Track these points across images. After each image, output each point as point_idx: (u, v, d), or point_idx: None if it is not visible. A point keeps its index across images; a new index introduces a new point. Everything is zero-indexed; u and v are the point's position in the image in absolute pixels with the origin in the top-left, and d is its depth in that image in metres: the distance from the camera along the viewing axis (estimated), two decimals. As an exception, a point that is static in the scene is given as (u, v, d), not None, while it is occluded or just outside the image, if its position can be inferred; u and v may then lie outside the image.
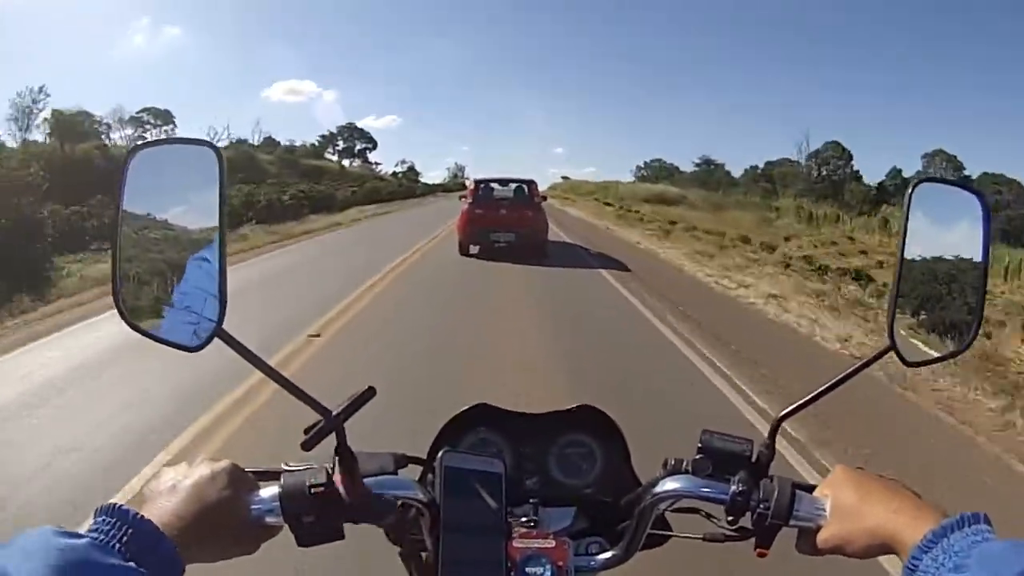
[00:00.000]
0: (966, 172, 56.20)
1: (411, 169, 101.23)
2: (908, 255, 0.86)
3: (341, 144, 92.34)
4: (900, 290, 0.85)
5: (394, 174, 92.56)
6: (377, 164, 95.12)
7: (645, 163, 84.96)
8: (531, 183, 17.06)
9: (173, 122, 64.20)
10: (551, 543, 0.90)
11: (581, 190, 68.38)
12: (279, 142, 76.38)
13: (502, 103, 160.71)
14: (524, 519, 0.97)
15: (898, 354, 0.85)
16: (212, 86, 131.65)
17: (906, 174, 61.11)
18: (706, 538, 0.93)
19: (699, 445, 0.89)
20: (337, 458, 0.81)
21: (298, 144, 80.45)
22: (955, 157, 62.03)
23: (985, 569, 0.59)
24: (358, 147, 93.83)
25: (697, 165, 74.52)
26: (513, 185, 17.28)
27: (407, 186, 74.43)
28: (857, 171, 65.80)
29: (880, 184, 62.97)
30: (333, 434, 0.80)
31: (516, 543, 0.89)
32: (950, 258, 0.91)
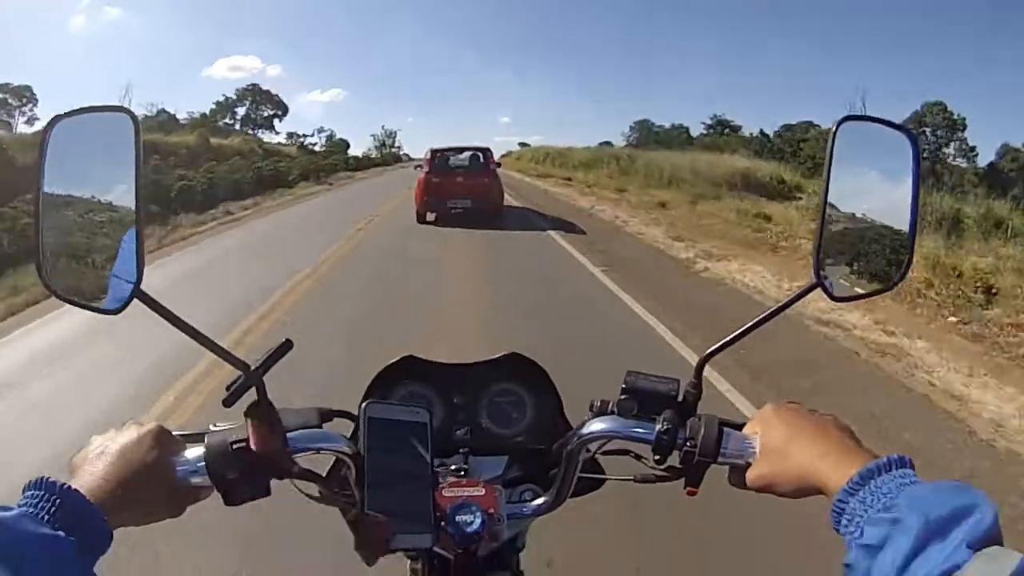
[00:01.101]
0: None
1: (332, 140, 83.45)
2: (835, 197, 0.86)
3: (242, 111, 75.00)
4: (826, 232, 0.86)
5: (302, 146, 72.04)
6: (304, 136, 78.75)
7: (633, 126, 72.84)
8: (486, 151, 17.38)
9: (35, 99, 56.11)
10: (481, 491, 0.91)
11: (531, 157, 59.38)
12: (172, 114, 61.28)
13: (448, 73, 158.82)
14: (454, 468, 0.98)
15: (825, 290, 0.85)
16: (154, 65, 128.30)
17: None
18: (637, 479, 0.94)
19: (623, 385, 0.89)
20: (256, 411, 0.80)
21: (182, 115, 63.21)
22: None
23: (914, 511, 0.59)
24: (264, 113, 76.18)
25: (709, 127, 62.08)
26: (468, 153, 17.55)
27: (320, 163, 49.62)
28: (973, 147, 44.94)
29: (991, 165, 43.68)
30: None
31: (446, 492, 0.90)
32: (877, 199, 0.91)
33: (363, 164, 68.10)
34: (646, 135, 67.77)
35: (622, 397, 0.88)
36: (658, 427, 0.85)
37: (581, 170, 34.00)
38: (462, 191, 15.61)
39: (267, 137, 71.76)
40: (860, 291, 0.90)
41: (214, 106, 73.43)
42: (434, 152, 16.90)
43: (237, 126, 72.33)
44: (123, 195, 0.79)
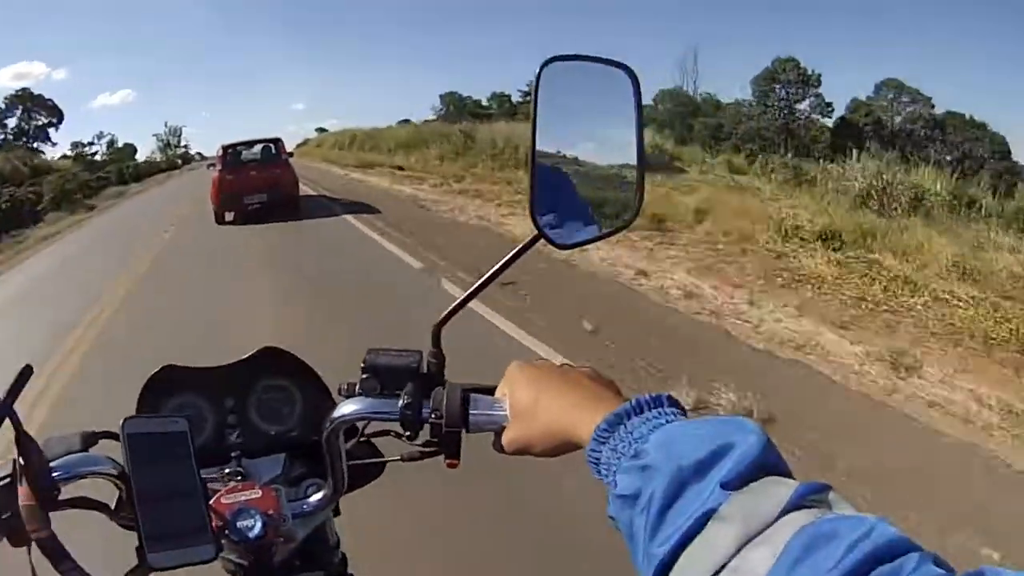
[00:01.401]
0: (934, 111, 40.23)
1: (113, 146, 72.29)
2: (547, 141, 0.83)
3: (13, 120, 63.99)
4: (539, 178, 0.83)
5: (81, 157, 63.40)
6: (86, 146, 68.43)
7: (442, 98, 65.24)
8: (277, 141, 17.07)
9: None
10: (258, 493, 0.88)
11: (329, 143, 54.51)
12: None
13: (238, 64, 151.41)
14: (229, 472, 0.94)
15: (547, 239, 0.83)
16: None
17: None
18: (404, 458, 0.92)
19: (363, 365, 0.87)
20: (16, 446, 0.75)
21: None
22: (918, 91, 41.08)
23: (663, 453, 0.55)
24: (36, 123, 64.89)
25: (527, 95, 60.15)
26: (259, 146, 17.10)
27: (83, 179, 40.68)
28: (829, 103, 43.01)
29: (843, 119, 42.56)
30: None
31: (224, 499, 0.86)
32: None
33: (145, 171, 58.94)
34: (457, 109, 61.73)
35: (363, 376, 0.86)
36: (400, 403, 0.83)
37: (400, 154, 29.40)
38: (257, 185, 15.25)
39: (47, 150, 63.99)
40: (585, 237, 0.88)
41: None
42: (225, 148, 16.49)
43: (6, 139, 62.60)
44: None
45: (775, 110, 42.23)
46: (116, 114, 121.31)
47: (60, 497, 0.77)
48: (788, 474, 0.53)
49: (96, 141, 72.22)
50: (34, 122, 65.76)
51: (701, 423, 0.58)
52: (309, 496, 0.98)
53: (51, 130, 66.33)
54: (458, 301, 0.85)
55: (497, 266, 0.83)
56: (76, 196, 29.78)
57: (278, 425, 1.06)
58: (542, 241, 0.83)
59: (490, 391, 0.82)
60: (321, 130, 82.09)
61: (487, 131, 26.01)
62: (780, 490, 0.50)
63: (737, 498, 0.50)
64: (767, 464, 0.53)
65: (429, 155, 26.31)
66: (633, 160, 0.87)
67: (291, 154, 17.56)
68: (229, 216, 15.26)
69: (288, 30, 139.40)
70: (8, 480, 0.75)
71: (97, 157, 67.23)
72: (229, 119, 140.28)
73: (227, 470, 0.95)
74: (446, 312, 0.86)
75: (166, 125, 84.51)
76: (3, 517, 0.75)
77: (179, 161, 77.72)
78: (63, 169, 46.46)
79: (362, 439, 0.97)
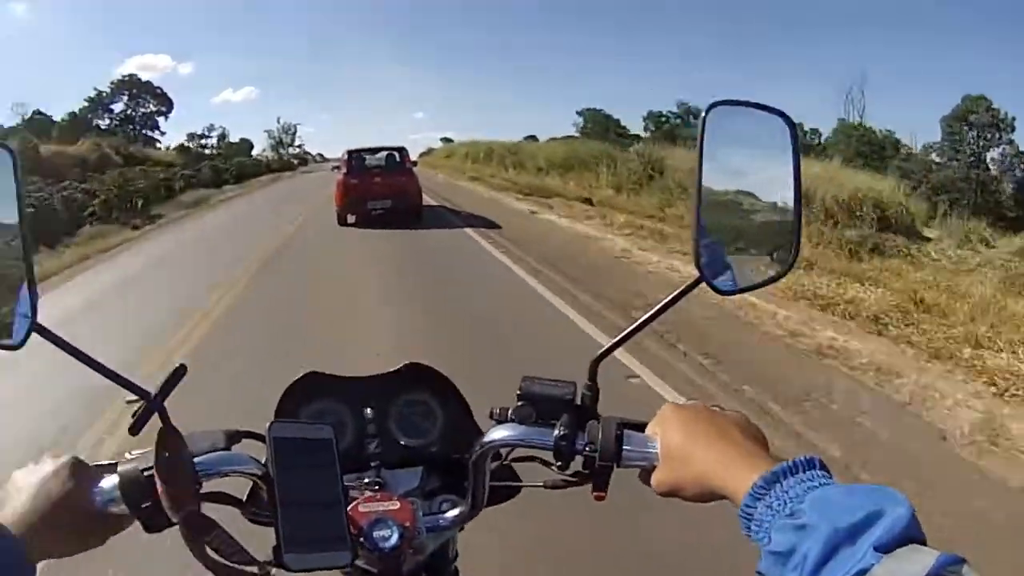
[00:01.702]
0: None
1: (224, 139, 66.99)
2: (709, 183, 0.84)
3: (119, 105, 60.82)
4: (703, 220, 0.84)
5: (185, 149, 59.02)
6: (203, 137, 65.46)
7: (585, 112, 57.39)
8: (402, 150, 17.75)
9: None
10: (396, 504, 0.89)
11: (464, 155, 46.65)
12: (48, 116, 53.36)
13: (361, 69, 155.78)
14: (368, 482, 0.97)
15: (709, 284, 0.84)
16: (62, 63, 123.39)
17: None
18: (547, 485, 0.93)
19: (518, 392, 0.88)
20: (161, 438, 0.79)
21: (55, 116, 54.17)
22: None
23: (822, 515, 0.58)
24: (143, 110, 61.66)
25: (677, 116, 49.93)
26: (384, 153, 17.76)
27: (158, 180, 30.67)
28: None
29: None
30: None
31: (361, 508, 0.88)
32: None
33: (252, 170, 50.36)
34: (600, 126, 53.68)
35: (519, 404, 0.88)
36: (556, 433, 0.85)
37: (554, 175, 25.07)
38: (381, 192, 15.84)
39: (157, 138, 61.56)
40: (747, 284, 0.88)
41: (85, 103, 60.20)
42: (351, 153, 17.14)
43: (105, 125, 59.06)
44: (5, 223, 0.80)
45: (965, 157, 34.25)
46: (239, 110, 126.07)
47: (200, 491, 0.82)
48: (926, 544, 0.57)
49: (208, 133, 68.82)
50: (141, 109, 63.17)
51: (853, 489, 0.61)
52: (443, 511, 0.99)
53: (160, 119, 63.65)
54: (618, 338, 0.86)
55: (659, 306, 0.84)
56: (135, 200, 22.48)
57: (418, 439, 1.08)
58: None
59: (640, 427, 0.83)
60: (447, 140, 76.95)
61: (683, 156, 20.71)
62: (925, 557, 0.54)
63: (887, 561, 0.54)
64: (913, 533, 0.56)
65: (596, 181, 22.37)
66: (790, 205, 0.87)
67: (415, 163, 18.13)
68: (351, 219, 15.83)
69: (412, 39, 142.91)
70: (151, 471, 0.78)
71: (207, 151, 63.52)
72: (349, 123, 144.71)
73: (366, 479, 0.97)
74: (605, 348, 0.87)
75: (279, 121, 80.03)
76: (143, 506, 0.78)
77: (294, 161, 73.94)
78: (161, 161, 43.93)
79: (505, 463, 0.98)
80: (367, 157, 17.40)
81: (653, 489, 0.78)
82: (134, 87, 62.43)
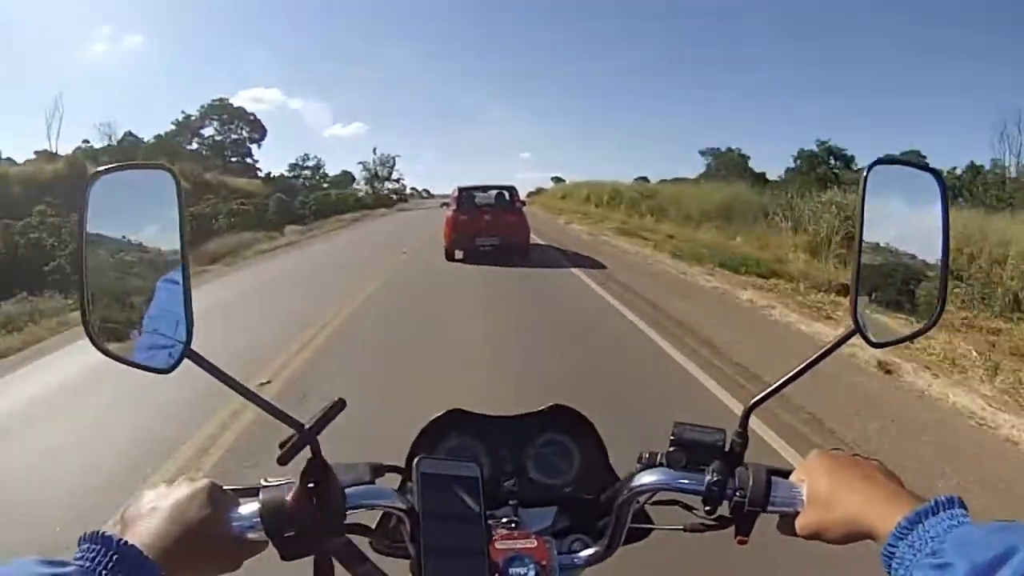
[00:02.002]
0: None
1: (319, 170, 65.42)
2: (867, 237, 0.87)
3: (210, 129, 60.62)
4: (863, 273, 0.86)
5: (269, 177, 58.08)
6: (306, 166, 64.70)
7: (709, 150, 52.42)
8: (512, 189, 18.11)
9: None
10: (533, 543, 0.91)
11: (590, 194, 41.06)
12: (138, 138, 53.00)
13: (468, 109, 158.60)
14: (505, 520, 0.98)
15: (863, 336, 0.86)
16: (174, 93, 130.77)
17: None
18: (687, 529, 0.95)
19: (671, 438, 0.90)
20: (312, 470, 0.81)
21: (145, 138, 53.48)
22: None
23: (960, 554, 0.60)
24: (234, 136, 60.98)
25: (812, 156, 42.70)
26: (495, 191, 18.18)
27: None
28: None
29: None
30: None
31: (498, 544, 0.90)
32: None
33: (334, 206, 44.92)
34: (733, 167, 46.66)
35: (671, 449, 0.90)
36: (708, 478, 0.86)
37: (711, 226, 19.45)
38: (490, 229, 16.08)
39: (257, 165, 60.54)
40: (897, 336, 0.90)
41: (172, 126, 60.49)
42: (461, 190, 17.48)
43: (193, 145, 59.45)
44: (160, 244, 0.81)
45: None
46: (347, 145, 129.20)
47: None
48: None
49: (303, 164, 67.19)
50: (231, 135, 62.36)
51: (992, 527, 0.62)
52: (576, 551, 1.01)
53: (253, 147, 62.70)
54: (770, 388, 0.88)
55: (813, 357, 0.86)
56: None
57: (554, 479, 1.09)
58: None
59: (786, 474, 0.84)
60: (558, 179, 71.22)
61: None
62: None
63: None
64: None
65: (776, 239, 17.16)
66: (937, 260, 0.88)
67: (524, 203, 18.34)
68: (459, 254, 16.11)
69: (519, 80, 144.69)
70: (295, 501, 0.80)
71: (302, 181, 62.19)
72: (455, 161, 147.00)
73: (502, 517, 0.98)
74: (757, 397, 0.88)
75: (375, 152, 76.29)
76: (285, 535, 0.79)
77: (393, 196, 69.36)
78: (240, 189, 41.61)
79: (644, 505, 0.99)
80: (477, 195, 17.76)
81: (795, 533, 0.80)
82: (225, 111, 62.12)
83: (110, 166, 0.81)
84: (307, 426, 0.80)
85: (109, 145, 51.52)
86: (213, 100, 62.15)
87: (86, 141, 53.31)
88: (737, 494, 0.84)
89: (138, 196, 0.83)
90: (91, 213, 0.79)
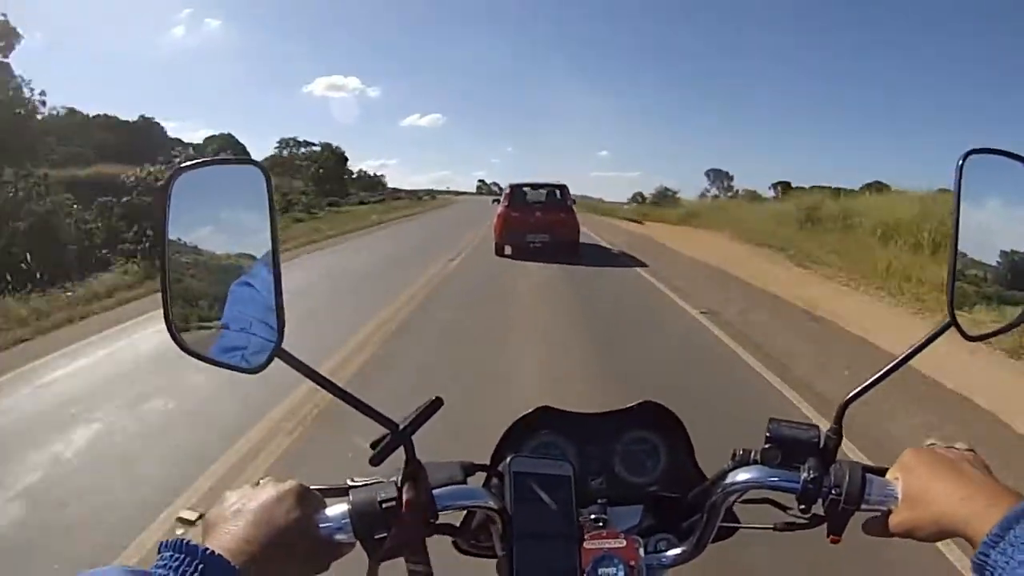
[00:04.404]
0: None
1: (330, 151, 61.38)
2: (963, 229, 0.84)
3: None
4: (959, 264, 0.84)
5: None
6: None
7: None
8: (563, 187, 18.19)
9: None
10: (622, 542, 0.90)
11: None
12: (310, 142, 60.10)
13: (547, 104, 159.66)
14: (593, 518, 0.97)
15: (959, 329, 0.84)
16: (252, 79, 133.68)
17: None
18: (778, 527, 0.93)
19: (767, 434, 0.89)
20: (406, 471, 0.81)
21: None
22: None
23: None
24: None
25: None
26: (545, 190, 18.23)
27: None
28: None
29: None
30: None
31: (587, 544, 0.89)
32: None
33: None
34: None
35: (766, 446, 0.88)
36: (804, 476, 0.85)
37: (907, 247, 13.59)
38: (540, 226, 16.27)
39: None
40: (993, 328, 0.88)
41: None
42: (513, 188, 17.77)
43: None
44: (251, 247, 0.80)
45: None
46: (424, 136, 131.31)
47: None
48: None
49: (281, 146, 66.04)
50: None
51: None
52: (662, 551, 0.99)
53: None
54: (867, 383, 0.86)
55: (908, 351, 0.85)
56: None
57: (641, 477, 1.08)
58: None
59: (879, 472, 0.83)
60: (665, 194, 52.24)
61: None
62: None
63: None
64: None
65: None
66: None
67: (574, 200, 18.40)
68: (508, 250, 16.31)
69: (601, 77, 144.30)
70: (393, 503, 0.79)
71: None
72: (531, 157, 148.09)
73: (591, 516, 0.97)
74: (853, 392, 0.87)
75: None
76: (375, 537, 0.79)
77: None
78: None
79: (737, 503, 0.97)
80: (528, 191, 17.91)
81: (886, 532, 0.79)
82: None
83: (195, 162, 0.80)
84: (402, 426, 0.80)
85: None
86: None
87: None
88: (832, 492, 0.83)
89: (224, 193, 0.82)
90: (173, 211, 0.78)
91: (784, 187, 54.66)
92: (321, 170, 56.92)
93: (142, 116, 56.40)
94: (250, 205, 0.79)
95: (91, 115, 51.34)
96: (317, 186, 53.32)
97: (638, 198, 59.95)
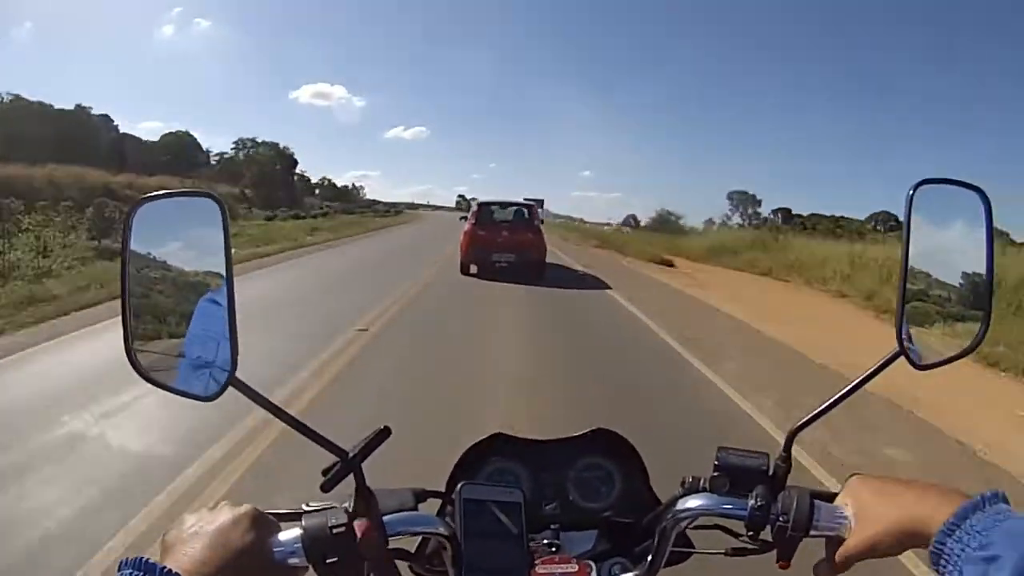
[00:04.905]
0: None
1: (259, 149, 59.50)
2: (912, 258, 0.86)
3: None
4: (907, 293, 0.86)
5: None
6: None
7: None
8: (531, 206, 18.05)
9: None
10: (574, 567, 0.91)
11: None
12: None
13: (531, 122, 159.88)
14: (546, 544, 0.98)
15: (908, 359, 0.85)
16: (238, 81, 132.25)
17: None
18: (728, 553, 0.94)
19: (715, 463, 0.89)
20: (357, 498, 0.82)
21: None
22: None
23: (1009, 545, 0.62)
24: None
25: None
26: (513, 208, 18.09)
27: None
28: None
29: None
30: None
31: (539, 569, 0.90)
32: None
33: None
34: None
35: (715, 474, 0.89)
36: (751, 503, 0.86)
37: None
38: (507, 245, 16.13)
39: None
40: (943, 357, 0.89)
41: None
42: (481, 205, 17.64)
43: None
44: (216, 265, 0.80)
45: None
46: (407, 148, 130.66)
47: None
48: None
49: (238, 146, 62.39)
50: None
51: None
52: (614, 575, 1.00)
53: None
54: (814, 412, 0.88)
55: (857, 380, 0.86)
56: None
57: (595, 502, 1.09)
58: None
59: (829, 498, 0.84)
60: (667, 218, 49.44)
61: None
62: None
63: None
64: None
65: None
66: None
67: (542, 221, 18.33)
68: (474, 269, 16.14)
69: (586, 98, 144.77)
70: (343, 529, 0.79)
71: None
72: (513, 175, 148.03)
73: (544, 541, 0.99)
74: (801, 421, 0.88)
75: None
76: (327, 561, 0.78)
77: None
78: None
79: (685, 529, 0.98)
80: (496, 210, 17.76)
81: (839, 559, 0.79)
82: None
83: (154, 194, 0.81)
84: (351, 454, 0.81)
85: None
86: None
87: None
88: (780, 518, 0.84)
89: (182, 223, 0.83)
90: (134, 239, 0.79)
91: (784, 214, 56.39)
92: (264, 174, 53.51)
93: (78, 105, 52.44)
94: (209, 236, 0.80)
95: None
96: (257, 192, 50.01)
97: (631, 221, 58.85)
